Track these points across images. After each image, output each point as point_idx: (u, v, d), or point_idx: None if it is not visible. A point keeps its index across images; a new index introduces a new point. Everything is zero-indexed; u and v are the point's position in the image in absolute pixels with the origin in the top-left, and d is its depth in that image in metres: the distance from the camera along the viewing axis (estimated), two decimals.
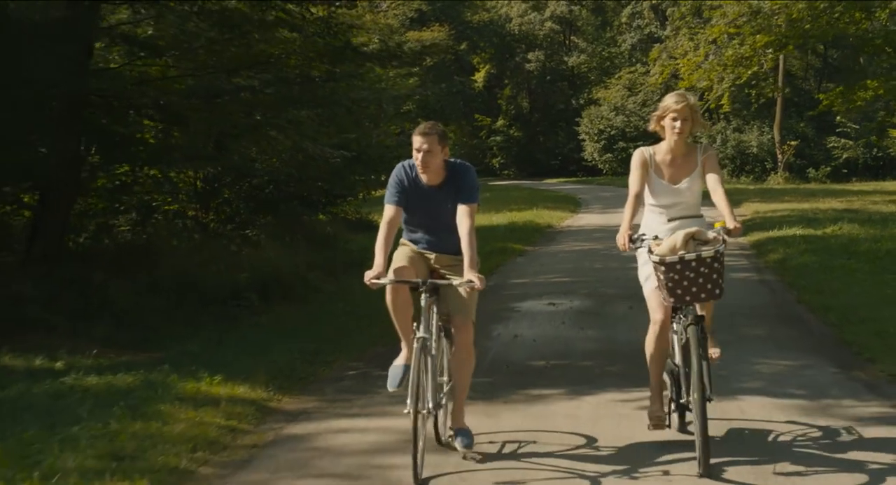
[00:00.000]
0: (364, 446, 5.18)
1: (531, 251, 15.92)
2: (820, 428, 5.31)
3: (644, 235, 4.84)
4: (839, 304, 9.00)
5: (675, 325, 4.89)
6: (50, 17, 9.56)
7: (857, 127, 35.81)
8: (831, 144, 38.80)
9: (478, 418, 5.48)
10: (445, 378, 4.99)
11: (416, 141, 4.80)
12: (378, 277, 4.64)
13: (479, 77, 52.46)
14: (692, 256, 4.57)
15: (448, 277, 4.86)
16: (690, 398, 4.65)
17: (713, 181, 4.91)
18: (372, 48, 12.06)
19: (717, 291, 4.67)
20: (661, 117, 4.99)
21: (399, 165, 4.96)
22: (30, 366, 7.65)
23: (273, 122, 12.41)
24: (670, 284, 4.63)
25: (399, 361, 4.95)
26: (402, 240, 5.10)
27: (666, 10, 42.38)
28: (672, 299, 4.69)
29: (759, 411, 5.64)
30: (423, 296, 4.70)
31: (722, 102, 26.22)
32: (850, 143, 38.44)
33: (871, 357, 6.92)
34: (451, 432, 5.02)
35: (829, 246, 13.33)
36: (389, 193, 4.91)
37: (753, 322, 8.57)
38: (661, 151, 5.03)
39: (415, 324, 4.76)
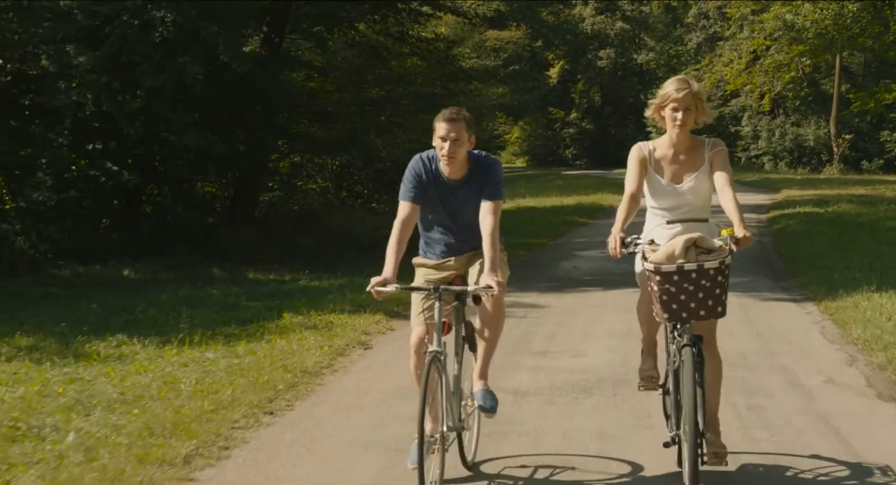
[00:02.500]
0: None
1: (593, 223, 20.15)
2: (741, 304, 9.46)
3: (638, 238, 4.27)
4: (798, 252, 13.12)
5: (670, 346, 4.37)
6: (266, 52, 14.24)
7: None
8: (884, 138, 41.55)
9: (546, 298, 9.82)
10: (469, 400, 4.57)
11: (441, 128, 4.32)
12: (385, 284, 4.20)
13: (554, 73, 56.31)
14: (692, 266, 4.04)
15: (470, 272, 4.50)
16: (681, 431, 4.18)
17: (721, 181, 4.34)
18: (477, 69, 16.56)
19: (719, 309, 4.15)
20: (661, 106, 4.43)
21: (416, 158, 4.49)
22: (266, 279, 12.27)
23: (394, 121, 17.01)
24: (665, 297, 4.08)
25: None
26: (417, 260, 4.65)
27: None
28: (666, 316, 4.13)
29: None
30: (434, 305, 4.23)
31: (763, 102, 29.94)
32: None
33: (795, 275, 11.15)
34: (471, 395, 4.55)
35: (820, 220, 17.25)
36: (405, 188, 4.42)
37: (735, 261, 12.66)
38: (661, 146, 4.49)
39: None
